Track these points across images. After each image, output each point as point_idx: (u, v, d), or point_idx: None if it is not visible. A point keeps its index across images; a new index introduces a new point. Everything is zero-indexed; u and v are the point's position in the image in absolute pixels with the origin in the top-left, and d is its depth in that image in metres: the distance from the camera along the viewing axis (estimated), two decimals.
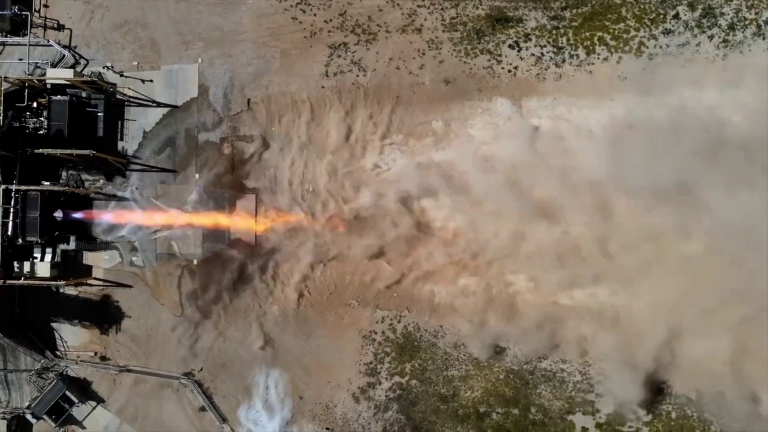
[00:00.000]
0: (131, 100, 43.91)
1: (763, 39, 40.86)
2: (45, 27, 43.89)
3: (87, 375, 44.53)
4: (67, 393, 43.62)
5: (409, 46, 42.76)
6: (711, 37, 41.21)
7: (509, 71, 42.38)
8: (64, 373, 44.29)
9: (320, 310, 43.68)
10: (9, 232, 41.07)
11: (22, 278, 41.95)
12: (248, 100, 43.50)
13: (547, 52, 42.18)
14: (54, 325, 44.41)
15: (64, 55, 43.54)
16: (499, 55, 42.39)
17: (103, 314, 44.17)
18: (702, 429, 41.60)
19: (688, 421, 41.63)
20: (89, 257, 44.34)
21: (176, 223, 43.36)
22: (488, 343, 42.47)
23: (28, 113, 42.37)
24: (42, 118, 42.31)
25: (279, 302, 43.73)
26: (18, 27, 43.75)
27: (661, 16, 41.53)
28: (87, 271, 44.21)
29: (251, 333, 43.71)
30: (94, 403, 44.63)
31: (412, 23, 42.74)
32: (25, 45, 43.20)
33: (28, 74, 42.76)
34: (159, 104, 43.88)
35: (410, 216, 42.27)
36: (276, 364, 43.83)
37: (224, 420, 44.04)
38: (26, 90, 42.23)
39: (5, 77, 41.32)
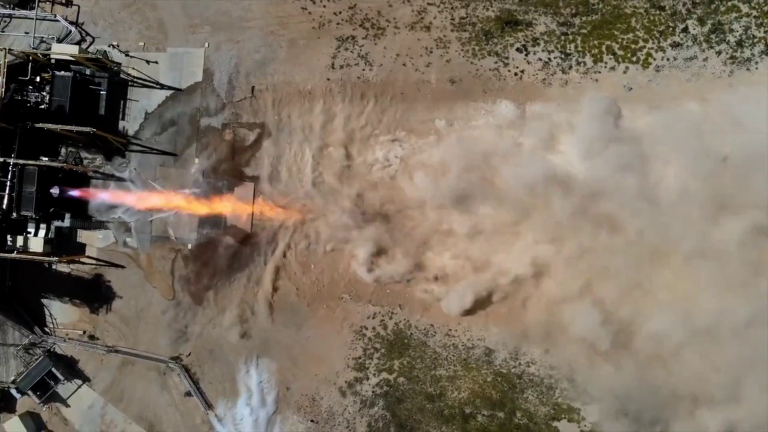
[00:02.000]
0: (135, 80, 43.73)
1: None
2: (53, 2, 43.65)
3: (74, 353, 44.43)
4: (54, 370, 43.56)
5: (417, 43, 42.66)
6: (719, 53, 41.19)
7: (515, 74, 42.31)
8: (52, 350, 44.17)
9: (311, 302, 43.57)
10: (4, 206, 40.87)
11: (15, 252, 41.74)
12: (252, 88, 43.36)
13: (555, 58, 42.11)
14: (44, 301, 44.29)
15: (70, 31, 43.36)
16: (507, 58, 42.31)
17: (94, 293, 44.04)
18: None
19: None
20: (83, 235, 44.19)
21: (173, 206, 43.22)
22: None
23: (30, 87, 42.17)
24: (44, 93, 42.12)
25: (270, 292, 43.61)
26: (26, 0, 43.46)
27: (671, 29, 41.49)
28: (80, 249, 44.05)
29: (240, 320, 43.62)
30: (79, 382, 44.57)
31: (421, 20, 42.62)
32: (32, 19, 42.99)
33: (33, 48, 42.56)
34: (162, 86, 43.70)
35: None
36: (264, 354, 43.75)
37: (209, 406, 43.96)
38: (30, 64, 41.98)
39: (10, 49, 41.15)
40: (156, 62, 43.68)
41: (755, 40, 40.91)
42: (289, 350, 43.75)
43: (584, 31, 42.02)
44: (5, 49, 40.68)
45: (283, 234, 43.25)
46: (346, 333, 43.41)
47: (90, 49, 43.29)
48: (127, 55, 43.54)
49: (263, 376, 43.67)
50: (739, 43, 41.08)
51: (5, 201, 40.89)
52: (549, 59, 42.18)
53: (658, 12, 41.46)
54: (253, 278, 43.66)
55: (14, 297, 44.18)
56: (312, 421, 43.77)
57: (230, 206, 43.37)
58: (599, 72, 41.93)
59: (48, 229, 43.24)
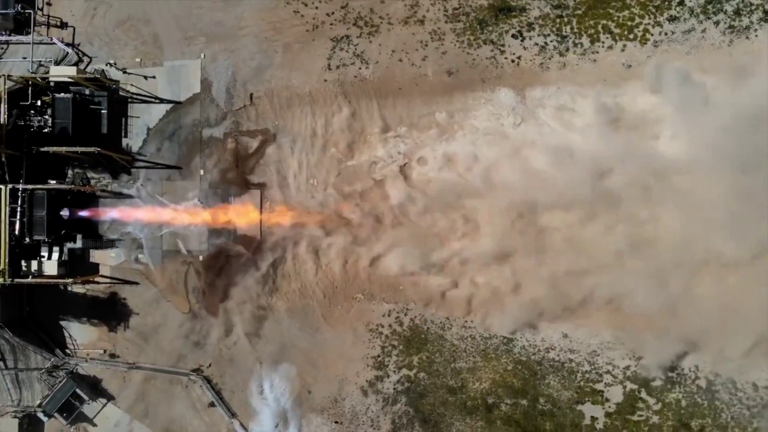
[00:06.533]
0: (134, 96, 43.87)
1: None
2: (48, 25, 43.90)
3: (97, 373, 44.72)
4: (78, 391, 43.83)
5: (412, 37, 42.51)
6: (717, 23, 40.74)
7: (512, 61, 42.08)
8: (75, 371, 44.48)
9: (325, 304, 43.66)
10: (16, 232, 41.16)
11: (30, 277, 42.08)
12: (251, 95, 43.40)
13: (551, 41, 41.84)
14: (63, 323, 44.57)
15: (67, 53, 43.57)
16: (503, 45, 42.08)
17: (111, 312, 44.29)
18: (713, 417, 41.41)
19: (698, 409, 41.45)
20: (96, 255, 44.43)
21: (181, 219, 43.41)
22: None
23: (32, 111, 42.34)
24: (46, 116, 42.24)
25: (285, 297, 43.75)
26: (21, 25, 43.76)
27: (666, 3, 41.02)
28: (94, 268, 44.30)
29: (258, 328, 43.85)
30: (104, 401, 44.81)
31: (414, 14, 42.47)
32: (29, 43, 43.22)
33: (32, 72, 42.73)
34: (162, 100, 43.82)
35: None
36: (283, 359, 43.85)
37: (234, 415, 44.14)
38: (30, 88, 42.18)
39: (9, 76, 41.25)
40: (154, 77, 43.79)
41: (753, 8, 40.37)
42: (307, 354, 43.83)
43: (579, 12, 41.68)
44: (4, 75, 40.84)
45: (292, 238, 43.32)
46: (362, 332, 43.46)
47: (88, 69, 43.51)
48: (124, 72, 43.70)
49: (283, 381, 43.75)
50: (737, 12, 40.62)
51: (17, 227, 41.14)
52: (545, 43, 41.92)
53: None
54: (268, 284, 43.75)
55: (33, 321, 44.51)
56: (336, 422, 43.87)
57: (238, 215, 43.51)
58: (597, 52, 41.61)
59: (61, 252, 43.51)
